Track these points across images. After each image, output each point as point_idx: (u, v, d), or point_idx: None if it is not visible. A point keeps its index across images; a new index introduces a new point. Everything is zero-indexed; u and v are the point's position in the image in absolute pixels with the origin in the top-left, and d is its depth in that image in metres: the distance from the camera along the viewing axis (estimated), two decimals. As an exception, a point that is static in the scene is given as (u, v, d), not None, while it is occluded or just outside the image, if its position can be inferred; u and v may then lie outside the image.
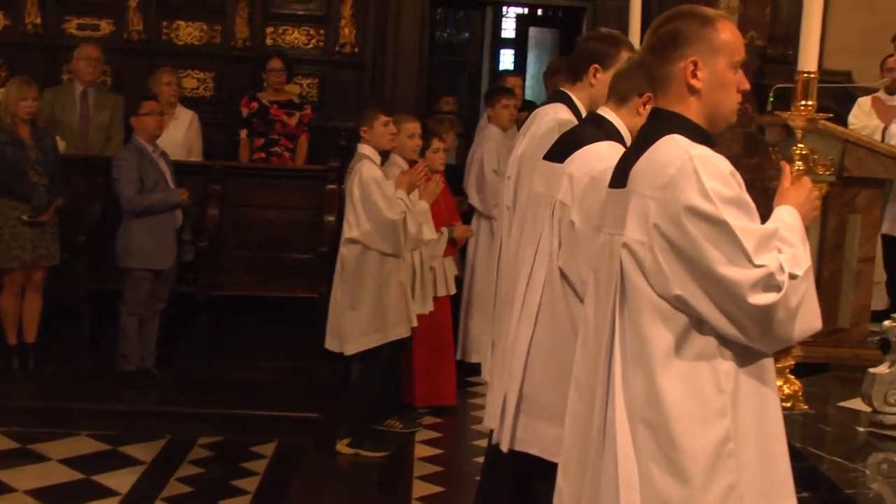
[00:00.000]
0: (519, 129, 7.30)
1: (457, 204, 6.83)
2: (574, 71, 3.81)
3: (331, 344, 5.64)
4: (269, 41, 8.31)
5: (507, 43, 14.38)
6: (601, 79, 3.60)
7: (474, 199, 7.05)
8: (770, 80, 7.46)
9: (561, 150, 3.40)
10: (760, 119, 7.03)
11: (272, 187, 7.18)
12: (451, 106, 8.53)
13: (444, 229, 6.25)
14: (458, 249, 6.71)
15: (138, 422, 5.92)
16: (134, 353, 6.28)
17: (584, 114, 3.70)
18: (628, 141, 3.23)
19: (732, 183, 2.33)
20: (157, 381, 6.32)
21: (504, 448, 3.41)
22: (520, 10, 13.46)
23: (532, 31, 13.40)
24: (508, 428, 3.37)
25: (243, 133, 7.56)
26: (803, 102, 2.66)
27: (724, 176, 2.33)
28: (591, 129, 3.36)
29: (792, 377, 4.35)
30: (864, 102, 7.16)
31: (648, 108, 3.05)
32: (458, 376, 6.50)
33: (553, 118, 3.76)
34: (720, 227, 2.29)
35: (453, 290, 6.48)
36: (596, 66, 3.66)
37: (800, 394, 4.35)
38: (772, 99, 6.13)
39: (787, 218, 2.50)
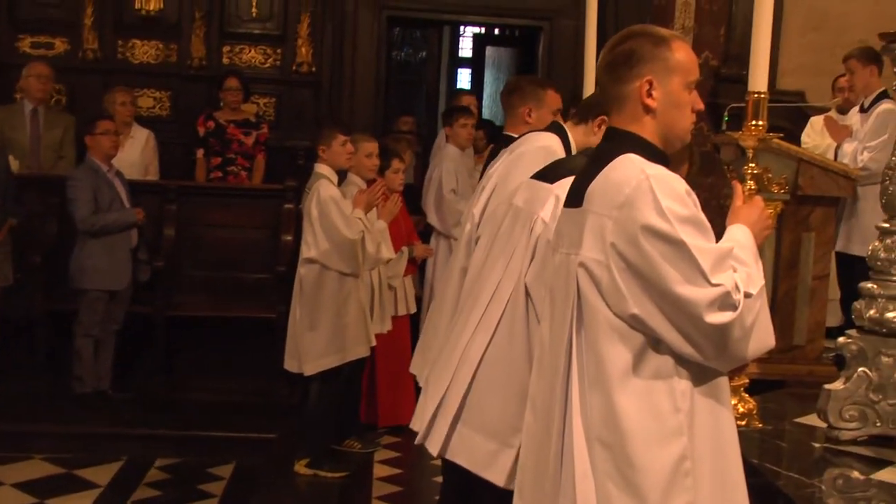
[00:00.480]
0: (476, 148, 7.38)
1: (415, 223, 6.83)
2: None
3: (290, 365, 5.60)
4: (225, 60, 8.28)
5: (465, 62, 14.42)
6: (535, 116, 3.84)
7: (433, 219, 7.05)
8: (724, 100, 7.55)
9: (552, 172, 3.41)
10: (716, 138, 7.11)
11: (229, 207, 7.14)
12: (409, 125, 8.53)
13: (405, 248, 6.25)
14: (417, 268, 6.71)
15: (94, 444, 5.86)
16: (89, 375, 6.21)
17: (573, 152, 3.76)
18: None
19: (688, 202, 2.34)
20: (112, 403, 6.25)
21: (434, 452, 3.40)
22: (477, 30, 13.52)
23: (489, 50, 13.47)
24: (442, 433, 3.34)
25: (199, 152, 7.52)
26: (754, 122, 2.68)
27: (680, 195, 2.34)
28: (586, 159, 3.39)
29: (746, 395, 4.38)
30: (816, 122, 7.25)
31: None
32: (417, 395, 6.48)
33: (542, 146, 3.78)
34: (677, 246, 2.29)
35: (414, 309, 6.48)
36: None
37: (754, 412, 4.38)
38: (726, 118, 6.20)
39: (741, 237, 2.52)
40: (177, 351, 6.73)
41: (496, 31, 12.76)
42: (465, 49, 14.49)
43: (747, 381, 4.37)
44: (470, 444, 3.29)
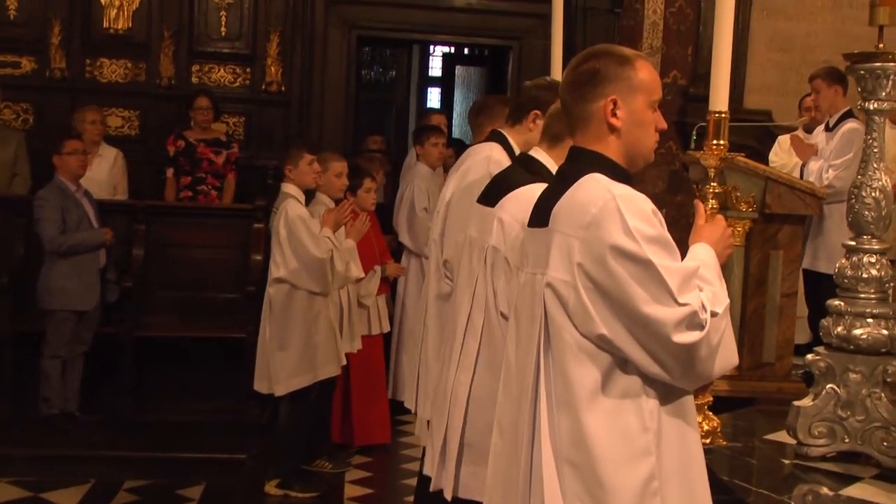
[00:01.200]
0: (446, 166, 7.39)
1: (387, 242, 6.83)
2: (515, 114, 3.88)
3: (260, 386, 5.57)
4: (194, 79, 8.25)
5: (434, 81, 14.46)
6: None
7: (405, 238, 7.04)
8: (693, 119, 7.61)
9: (493, 193, 3.42)
10: (684, 157, 7.16)
11: (199, 226, 7.10)
12: (378, 144, 8.55)
13: (377, 267, 6.25)
14: (390, 287, 6.71)
15: (61, 467, 5.78)
16: (57, 397, 6.14)
17: (517, 153, 3.75)
18: None
19: (655, 221, 2.35)
20: (80, 425, 6.18)
21: (448, 496, 3.37)
22: (446, 49, 13.57)
23: (459, 69, 13.50)
24: (451, 475, 3.33)
25: (169, 172, 7.48)
26: (715, 142, 2.72)
27: (647, 215, 2.34)
28: (522, 171, 3.39)
29: (710, 413, 4.41)
30: (783, 140, 7.32)
31: None
32: (392, 414, 6.48)
33: (485, 157, 3.81)
34: (644, 265, 2.30)
35: (387, 328, 6.49)
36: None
37: (718, 430, 4.41)
38: (694, 137, 6.24)
39: (704, 256, 2.53)
40: (146, 372, 6.67)
41: (466, 51, 12.81)
42: (435, 68, 14.53)
43: (711, 399, 4.39)
44: (480, 479, 3.28)
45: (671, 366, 2.35)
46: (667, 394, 2.41)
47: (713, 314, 2.35)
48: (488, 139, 3.96)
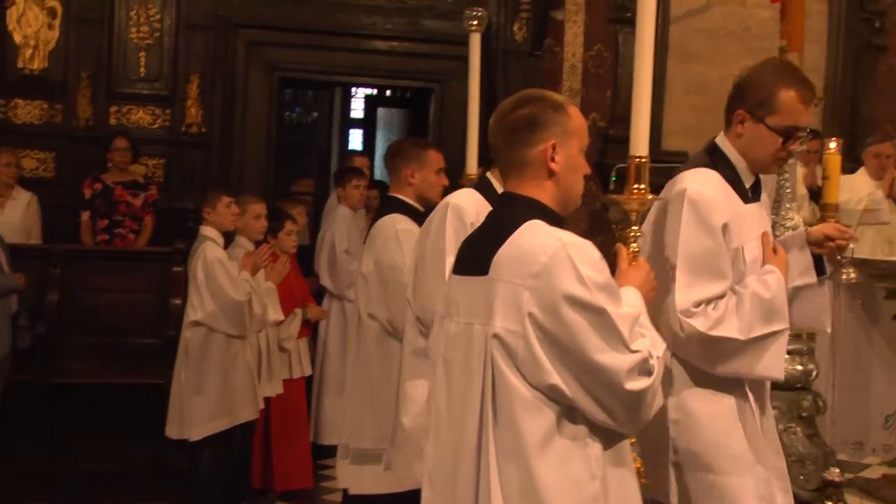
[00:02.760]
0: (368, 208, 7.39)
1: (309, 285, 6.78)
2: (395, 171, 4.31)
3: (171, 432, 5.46)
4: (112, 121, 8.13)
5: (356, 123, 14.48)
6: (418, 177, 4.14)
7: (326, 280, 7.00)
8: (612, 160, 7.73)
9: None
10: (604, 198, 7.25)
11: (116, 270, 6.98)
12: (309, 187, 8.52)
13: (298, 310, 6.20)
14: (312, 330, 6.65)
15: (-29, 520, 5.60)
16: (-34, 448, 5.96)
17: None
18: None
19: (604, 269, 2.35)
20: (-9, 476, 6.00)
21: None
22: (368, 91, 13.59)
23: (381, 111, 13.54)
24: None
25: (85, 215, 7.36)
26: (636, 186, 2.76)
27: (597, 262, 2.34)
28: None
29: (634, 455, 4.44)
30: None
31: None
32: (312, 458, 6.40)
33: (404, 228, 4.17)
34: (598, 314, 2.29)
35: (309, 372, 6.43)
36: (413, 167, 4.20)
37: (641, 469, 4.43)
38: (613, 178, 6.34)
39: (633, 300, 2.53)
40: (62, 420, 6.51)
41: (388, 93, 12.86)
42: (357, 110, 14.56)
43: (634, 440, 4.43)
44: None
45: (618, 412, 2.35)
46: (609, 439, 2.42)
47: (657, 359, 2.37)
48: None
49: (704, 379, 3.06)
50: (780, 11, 5.23)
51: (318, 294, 7.03)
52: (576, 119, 2.53)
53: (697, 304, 2.97)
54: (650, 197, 2.82)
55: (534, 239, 2.37)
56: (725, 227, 3.02)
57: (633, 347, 2.32)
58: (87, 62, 8.01)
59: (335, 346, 6.82)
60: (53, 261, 6.79)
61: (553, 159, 2.48)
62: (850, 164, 7.06)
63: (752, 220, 3.16)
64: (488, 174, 3.91)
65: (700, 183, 3.10)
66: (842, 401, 4.72)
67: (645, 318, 2.48)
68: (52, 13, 7.98)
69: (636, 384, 2.31)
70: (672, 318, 2.96)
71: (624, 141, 3.01)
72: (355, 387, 4.26)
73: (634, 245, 2.76)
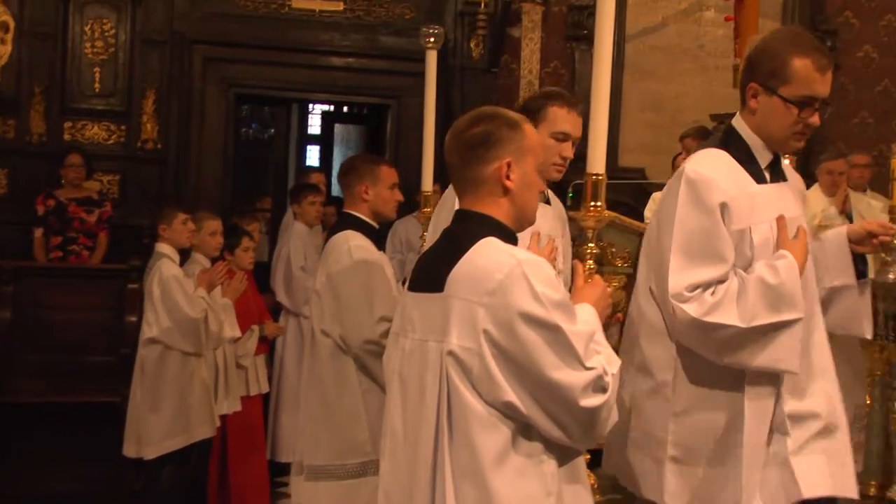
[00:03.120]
0: (324, 225, 7.37)
1: (266, 301, 6.74)
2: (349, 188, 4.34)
3: (128, 450, 5.40)
4: (66, 136, 8.06)
5: (313, 139, 14.45)
6: (372, 193, 4.22)
7: (282, 297, 6.97)
8: (568, 176, 7.73)
9: None
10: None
11: (70, 287, 6.91)
12: (270, 205, 8.50)
13: (255, 327, 6.15)
14: (269, 347, 6.61)
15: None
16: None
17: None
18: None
19: (559, 286, 2.37)
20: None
21: None
22: (325, 107, 13.58)
23: (338, 127, 13.54)
24: None
25: (38, 231, 7.28)
26: (593, 203, 2.76)
27: (551, 279, 2.36)
28: None
29: (588, 470, 4.46)
30: (657, 197, 7.51)
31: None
32: (270, 476, 6.35)
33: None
34: (554, 331, 2.30)
35: (266, 389, 6.37)
36: (367, 184, 4.23)
37: (595, 485, 4.46)
38: (570, 194, 6.37)
39: (589, 317, 2.53)
40: (14, 440, 6.41)
41: (345, 109, 12.85)
42: (314, 126, 14.53)
43: (589, 457, 4.45)
44: None
45: (573, 429, 2.36)
46: (563, 455, 2.43)
47: (612, 376, 2.37)
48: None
49: (707, 371, 2.94)
50: (734, 30, 5.30)
51: (275, 310, 6.99)
52: (531, 136, 2.55)
53: (692, 289, 2.86)
54: (607, 214, 2.82)
55: (489, 256, 2.38)
56: (724, 206, 2.90)
57: (588, 364, 2.33)
58: (40, 77, 7.94)
59: (292, 362, 6.78)
60: (5, 278, 6.71)
61: (508, 177, 2.49)
62: (805, 180, 7.15)
63: (767, 201, 2.98)
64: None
65: (701, 163, 3.00)
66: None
67: (600, 335, 2.49)
68: (4, 27, 7.87)
69: (591, 401, 2.32)
70: (666, 303, 2.89)
71: (580, 157, 3.03)
72: (308, 404, 4.24)
73: (590, 262, 2.76)
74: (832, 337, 4.60)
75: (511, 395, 2.32)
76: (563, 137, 3.53)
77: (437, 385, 2.41)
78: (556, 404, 2.32)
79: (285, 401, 6.82)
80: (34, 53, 7.95)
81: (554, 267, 2.86)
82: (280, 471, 6.58)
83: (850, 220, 7.02)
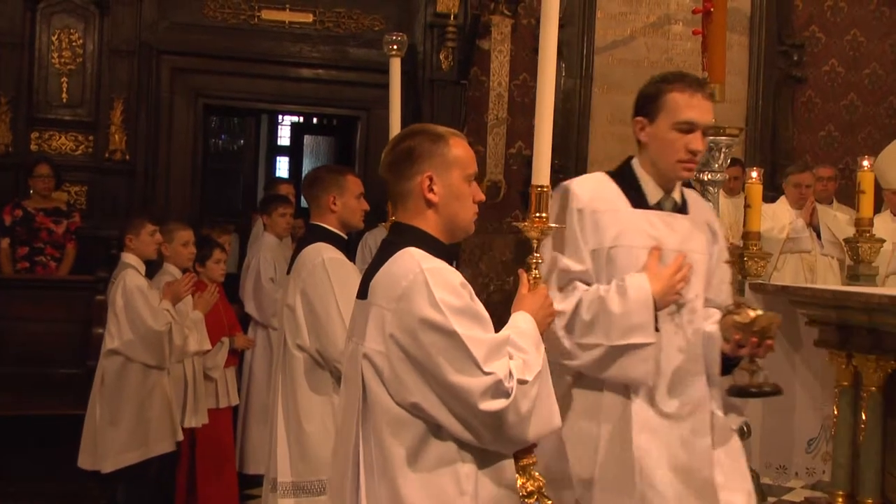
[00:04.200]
0: (293, 237, 7.34)
1: (235, 311, 6.70)
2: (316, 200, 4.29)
3: (84, 462, 5.36)
4: (34, 147, 8.00)
5: (283, 150, 14.42)
6: (339, 204, 4.18)
7: (251, 308, 6.93)
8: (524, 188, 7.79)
9: None
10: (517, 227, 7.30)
11: (37, 299, 6.85)
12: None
13: (225, 339, 6.12)
14: (239, 359, 6.57)
15: None
16: None
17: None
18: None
19: (462, 293, 2.44)
20: None
21: None
22: (295, 119, 13.57)
23: (307, 138, 13.53)
24: None
25: (5, 242, 7.21)
26: (538, 214, 2.83)
27: (454, 287, 2.44)
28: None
29: (536, 474, 4.45)
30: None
31: None
32: (240, 488, 6.31)
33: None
34: (450, 336, 2.38)
35: (236, 401, 6.33)
36: (334, 194, 4.19)
37: (543, 489, 4.45)
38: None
39: (522, 324, 2.63)
40: (-23, 453, 6.33)
41: (314, 120, 12.84)
42: (284, 137, 14.51)
43: (535, 460, 4.45)
44: None
45: (481, 432, 2.43)
46: (483, 458, 2.50)
47: (521, 381, 2.44)
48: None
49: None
50: (702, 44, 5.33)
51: (243, 322, 6.95)
52: (457, 150, 2.63)
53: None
54: (552, 225, 2.90)
55: (400, 265, 2.49)
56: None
57: (487, 369, 2.39)
58: (6, 87, 7.88)
59: (261, 374, 6.74)
60: (-29, 289, 6.64)
61: (431, 190, 2.58)
62: (771, 192, 7.21)
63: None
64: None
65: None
66: (766, 425, 4.80)
67: (526, 341, 2.56)
68: (-30, 37, 7.83)
69: (490, 405, 2.40)
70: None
71: (552, 170, 3.07)
72: (280, 419, 4.20)
73: (535, 272, 2.83)
74: (799, 349, 4.64)
75: (417, 396, 2.42)
76: (687, 128, 3.21)
77: (357, 385, 2.52)
78: (460, 407, 2.41)
79: (254, 413, 6.77)
80: (0, 63, 7.89)
81: (678, 290, 3.02)
82: (249, 483, 6.54)
83: (818, 233, 7.09)
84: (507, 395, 2.40)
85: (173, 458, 5.54)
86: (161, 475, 5.54)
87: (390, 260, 2.53)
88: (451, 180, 2.60)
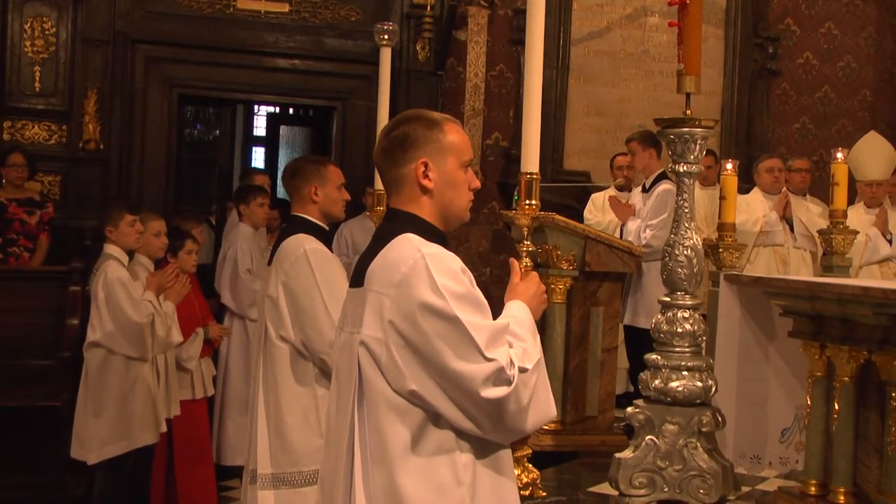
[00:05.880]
0: (269, 227, 7.31)
1: (211, 304, 6.67)
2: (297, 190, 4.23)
3: (76, 452, 5.33)
4: (6, 136, 7.92)
5: (259, 141, 14.36)
6: (321, 194, 4.11)
7: (227, 299, 6.90)
8: (514, 179, 7.76)
9: None
10: (506, 216, 7.31)
11: (10, 290, 6.78)
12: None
13: (200, 330, 6.09)
14: (214, 350, 6.54)
15: None
16: None
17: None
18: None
19: (463, 279, 2.42)
20: None
21: None
22: (271, 109, 13.51)
23: (283, 129, 13.47)
24: None
25: (-23, 233, 7.15)
26: (528, 202, 2.81)
27: (455, 272, 2.41)
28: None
29: (530, 466, 4.47)
30: (597, 198, 7.59)
31: None
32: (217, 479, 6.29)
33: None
34: (452, 322, 2.36)
35: (211, 392, 6.31)
36: (315, 185, 4.12)
37: (538, 481, 4.47)
38: (516, 198, 6.38)
39: (518, 312, 2.61)
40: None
41: (290, 111, 12.79)
42: (260, 128, 14.44)
43: (530, 451, 4.47)
44: None
45: (481, 420, 2.40)
46: (482, 448, 2.47)
47: (522, 370, 2.41)
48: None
49: None
50: (678, 36, 5.34)
51: (219, 314, 6.92)
52: (452, 136, 2.60)
53: None
54: (541, 214, 2.86)
55: (399, 250, 2.46)
56: None
57: (489, 356, 2.37)
58: (-22, 77, 7.80)
59: (237, 365, 6.72)
60: (-57, 280, 6.58)
61: (426, 176, 2.55)
62: (747, 184, 7.25)
63: None
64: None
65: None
66: (740, 416, 4.83)
67: (522, 329, 2.54)
68: (-59, 25, 7.75)
69: (492, 392, 2.37)
70: None
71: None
72: (261, 410, 4.18)
73: (527, 260, 2.81)
74: (773, 339, 4.66)
75: (416, 383, 2.39)
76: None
77: (355, 374, 2.48)
78: (460, 394, 2.38)
79: (231, 404, 6.76)
80: (-28, 52, 7.82)
81: None
82: (226, 474, 6.52)
83: (791, 226, 7.13)
84: (508, 382, 2.38)
85: (150, 449, 5.51)
86: (137, 466, 5.51)
87: (388, 246, 2.49)
88: (446, 167, 2.57)
